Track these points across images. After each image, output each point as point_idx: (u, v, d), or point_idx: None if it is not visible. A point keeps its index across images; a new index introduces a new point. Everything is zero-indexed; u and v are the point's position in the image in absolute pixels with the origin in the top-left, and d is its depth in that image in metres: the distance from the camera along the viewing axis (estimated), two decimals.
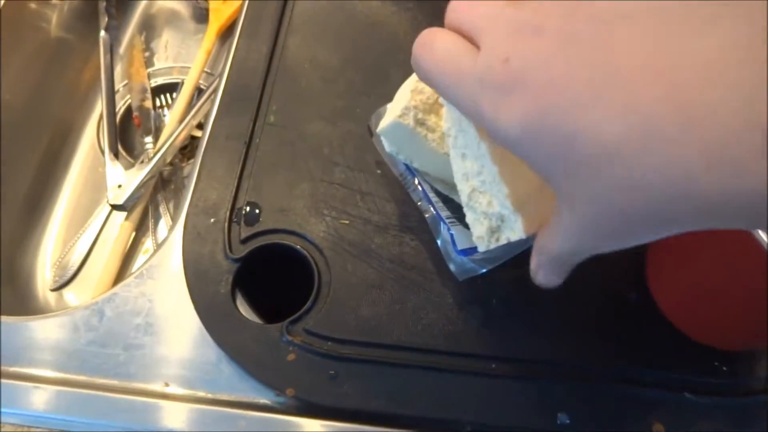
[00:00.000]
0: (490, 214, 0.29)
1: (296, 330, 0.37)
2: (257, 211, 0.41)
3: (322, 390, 0.35)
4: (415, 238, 0.40)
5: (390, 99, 0.45)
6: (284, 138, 0.44)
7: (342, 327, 0.37)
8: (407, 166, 0.38)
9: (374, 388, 0.36)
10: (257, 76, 0.47)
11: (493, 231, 0.30)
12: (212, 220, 0.41)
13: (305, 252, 0.39)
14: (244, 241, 0.40)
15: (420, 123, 0.35)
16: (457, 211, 0.40)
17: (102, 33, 0.64)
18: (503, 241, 0.29)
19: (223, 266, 0.39)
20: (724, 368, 0.36)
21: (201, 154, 0.44)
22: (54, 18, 0.62)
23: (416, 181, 0.38)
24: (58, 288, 0.55)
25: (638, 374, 0.36)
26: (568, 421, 0.35)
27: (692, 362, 0.36)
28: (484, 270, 0.37)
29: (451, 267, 0.38)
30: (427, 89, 0.36)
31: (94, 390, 0.37)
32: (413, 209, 0.40)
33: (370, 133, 0.41)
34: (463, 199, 0.30)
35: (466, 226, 0.37)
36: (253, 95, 0.46)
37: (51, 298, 0.55)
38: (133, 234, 0.57)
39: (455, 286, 0.38)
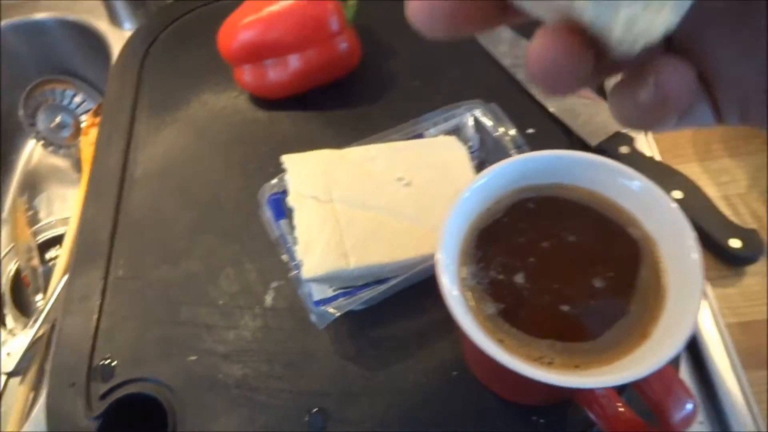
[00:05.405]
0: None
1: None
2: (113, 364, 0.44)
3: None
4: (255, 359, 0.43)
5: (225, 231, 0.50)
6: (133, 288, 0.48)
7: None
8: (281, 235, 0.44)
9: None
10: (104, 234, 0.51)
11: None
12: (72, 383, 0.44)
13: (157, 396, 0.43)
14: (102, 397, 0.43)
15: None
16: None
17: None
18: None
19: (85, 427, 0.42)
20: (541, 420, 0.40)
21: (58, 320, 0.47)
22: None
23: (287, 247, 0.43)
24: None
25: None
26: None
27: (512, 420, 0.40)
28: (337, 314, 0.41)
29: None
30: None
31: None
32: (252, 333, 0.44)
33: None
34: None
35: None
36: (102, 253, 0.50)
37: None
38: (32, 394, 0.59)
39: (293, 402, 0.42)
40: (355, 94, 0.57)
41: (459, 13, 0.17)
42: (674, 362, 0.41)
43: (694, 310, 0.29)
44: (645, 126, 0.18)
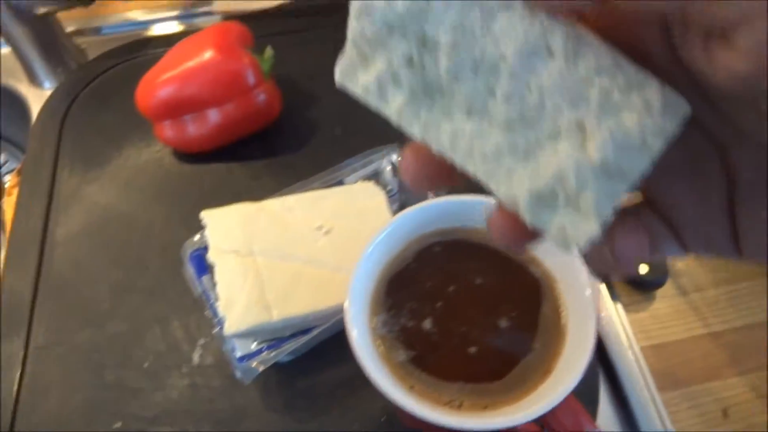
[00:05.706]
0: None
1: None
2: None
3: None
4: (183, 420, 0.43)
5: (151, 290, 0.49)
6: (55, 355, 0.47)
7: None
8: (204, 292, 0.43)
9: None
10: (25, 301, 0.50)
11: None
12: None
13: None
14: None
15: None
16: None
17: None
18: None
19: None
20: None
21: None
22: None
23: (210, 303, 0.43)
24: None
25: None
26: None
27: None
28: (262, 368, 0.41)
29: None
30: None
31: None
32: (179, 392, 0.44)
33: None
34: None
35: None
36: (23, 321, 0.48)
37: None
38: None
39: None
40: (277, 144, 0.58)
41: (438, 176, 0.20)
42: (593, 390, 0.43)
43: (590, 343, 0.31)
44: (612, 275, 0.20)
